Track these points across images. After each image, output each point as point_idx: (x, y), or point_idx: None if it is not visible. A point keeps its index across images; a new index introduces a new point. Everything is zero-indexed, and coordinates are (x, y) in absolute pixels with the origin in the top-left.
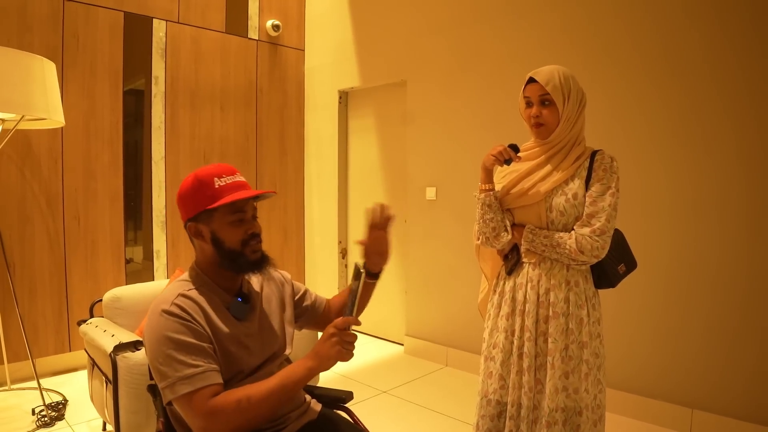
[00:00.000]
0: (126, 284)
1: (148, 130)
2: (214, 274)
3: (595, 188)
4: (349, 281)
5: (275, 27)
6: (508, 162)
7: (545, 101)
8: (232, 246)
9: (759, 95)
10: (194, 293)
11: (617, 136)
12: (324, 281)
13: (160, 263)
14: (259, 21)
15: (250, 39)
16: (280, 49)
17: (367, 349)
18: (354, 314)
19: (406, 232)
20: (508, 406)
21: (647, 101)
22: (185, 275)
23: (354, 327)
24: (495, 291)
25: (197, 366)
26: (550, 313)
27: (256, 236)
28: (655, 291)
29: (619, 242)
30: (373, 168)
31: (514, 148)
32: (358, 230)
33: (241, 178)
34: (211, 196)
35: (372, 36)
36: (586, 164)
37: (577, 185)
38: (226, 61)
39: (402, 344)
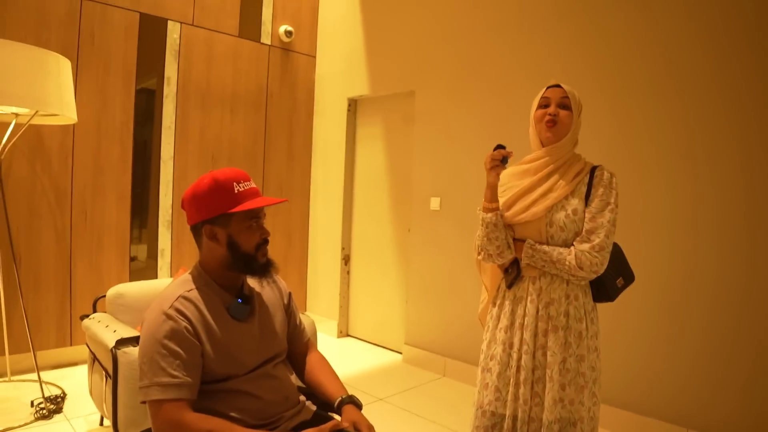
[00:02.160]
0: (129, 281)
1: (159, 129)
2: (218, 275)
3: (594, 204)
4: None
5: (288, 33)
6: (505, 161)
7: (564, 105)
8: (247, 250)
9: (762, 107)
10: (194, 294)
11: (620, 147)
12: (326, 287)
13: (164, 262)
14: (272, 27)
15: (263, 44)
16: (291, 55)
17: (365, 357)
18: None
19: (409, 241)
20: (506, 419)
21: (651, 113)
22: (187, 274)
23: (352, 333)
24: (494, 303)
25: (175, 377)
26: (549, 326)
27: (267, 241)
28: (653, 305)
29: (616, 256)
30: (378, 176)
31: (501, 147)
32: (361, 237)
33: (254, 185)
34: (231, 200)
35: (382, 45)
36: (586, 180)
37: (576, 201)
38: (238, 65)
39: (400, 353)
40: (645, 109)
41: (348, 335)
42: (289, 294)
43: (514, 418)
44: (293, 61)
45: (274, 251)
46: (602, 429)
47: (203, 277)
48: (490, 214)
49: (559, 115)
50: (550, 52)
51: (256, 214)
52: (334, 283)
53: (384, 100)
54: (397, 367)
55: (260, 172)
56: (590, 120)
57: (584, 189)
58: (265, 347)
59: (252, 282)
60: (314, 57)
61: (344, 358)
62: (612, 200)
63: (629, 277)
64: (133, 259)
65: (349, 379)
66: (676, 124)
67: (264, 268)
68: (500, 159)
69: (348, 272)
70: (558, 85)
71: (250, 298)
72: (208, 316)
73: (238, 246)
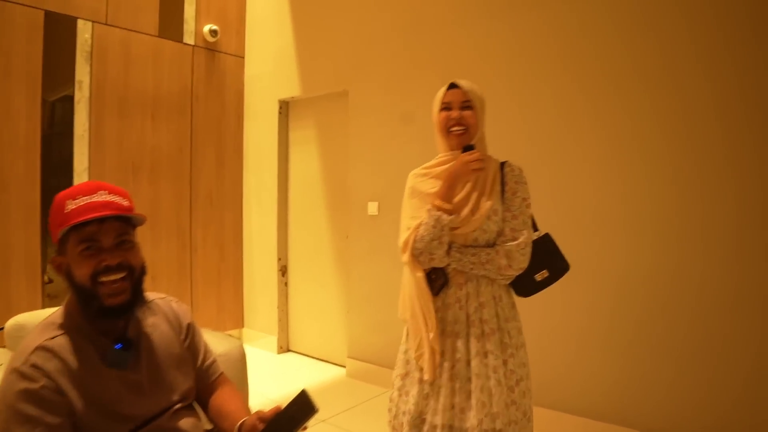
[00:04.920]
0: (43, 308)
1: (71, 139)
2: (89, 315)
3: (512, 202)
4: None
5: (213, 32)
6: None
7: (466, 107)
8: (80, 282)
9: (752, 99)
10: (59, 342)
11: (603, 145)
12: (263, 300)
13: None
14: (195, 25)
15: (186, 44)
16: (218, 56)
17: (306, 373)
18: None
19: (348, 248)
20: (438, 429)
21: (637, 108)
22: (57, 313)
23: (293, 348)
24: None
25: None
26: (486, 330)
27: (111, 270)
28: (631, 307)
29: (542, 247)
30: (314, 181)
31: (471, 148)
32: (298, 246)
33: (107, 197)
34: (60, 223)
35: (313, 44)
36: (499, 177)
37: (494, 201)
38: (159, 67)
39: (344, 366)
40: (630, 105)
41: (289, 350)
42: (188, 326)
43: (450, 427)
44: (220, 62)
45: (206, 264)
46: None
47: (73, 318)
48: (449, 217)
49: (464, 117)
50: (497, 45)
51: (89, 236)
52: (271, 296)
53: (317, 101)
54: (340, 382)
55: (187, 182)
56: (573, 118)
57: (499, 187)
58: (157, 396)
59: (142, 315)
60: (243, 57)
61: (285, 375)
62: (526, 195)
63: (558, 269)
64: (49, 281)
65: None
66: (660, 115)
67: (111, 312)
68: (481, 160)
69: (286, 284)
70: (456, 86)
71: (133, 342)
72: (77, 368)
73: (73, 277)
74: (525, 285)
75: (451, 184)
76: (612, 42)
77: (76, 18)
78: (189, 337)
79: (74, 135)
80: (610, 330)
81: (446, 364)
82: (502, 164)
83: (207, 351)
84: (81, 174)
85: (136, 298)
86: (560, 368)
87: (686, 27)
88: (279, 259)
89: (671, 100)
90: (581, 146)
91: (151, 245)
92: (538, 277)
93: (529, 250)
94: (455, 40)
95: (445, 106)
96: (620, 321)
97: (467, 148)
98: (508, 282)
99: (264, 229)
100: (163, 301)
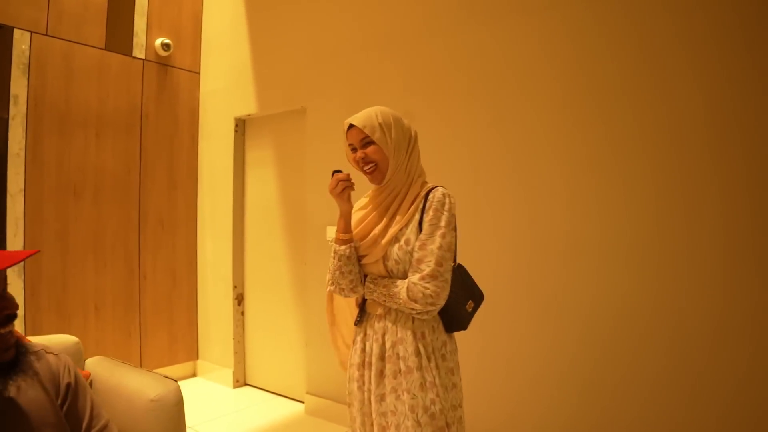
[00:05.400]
0: None
1: (4, 157)
2: None
3: (424, 230)
4: None
5: (165, 46)
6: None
7: (367, 143)
8: None
9: (743, 113)
10: None
11: (579, 156)
12: (218, 331)
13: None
14: (146, 39)
15: (136, 58)
16: (171, 71)
17: (263, 409)
18: None
19: (306, 276)
20: None
21: (617, 116)
22: None
23: (249, 382)
24: (355, 338)
25: None
26: (403, 368)
27: (11, 319)
28: (598, 341)
29: (461, 277)
30: (271, 204)
31: (338, 171)
32: (255, 273)
33: None
34: None
35: (271, 58)
36: (420, 205)
37: (410, 230)
38: (105, 82)
39: (302, 402)
40: (612, 119)
41: (246, 384)
42: (68, 386)
43: None
44: (173, 77)
45: (156, 293)
46: None
47: None
48: (343, 247)
49: (368, 154)
50: (454, 60)
51: None
52: (227, 326)
53: (274, 119)
54: (299, 420)
55: (136, 204)
56: (553, 133)
57: (418, 216)
58: None
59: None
60: (198, 73)
61: (240, 412)
62: (443, 223)
63: (478, 298)
64: None
65: None
66: (646, 134)
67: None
68: (347, 179)
69: (242, 313)
70: (353, 126)
71: None
72: None
73: None
74: (457, 318)
75: (340, 213)
76: (596, 52)
77: (13, 27)
78: (68, 400)
79: (8, 154)
80: (572, 366)
81: (364, 395)
82: (430, 191)
83: (94, 415)
84: (15, 196)
85: (19, 350)
86: (512, 406)
87: (676, 35)
88: (235, 287)
89: (657, 113)
90: (559, 163)
91: (94, 272)
92: (468, 307)
93: (439, 282)
94: (415, 57)
95: (351, 148)
96: (584, 356)
97: (335, 172)
98: (427, 317)
99: (219, 255)
100: (37, 356)
